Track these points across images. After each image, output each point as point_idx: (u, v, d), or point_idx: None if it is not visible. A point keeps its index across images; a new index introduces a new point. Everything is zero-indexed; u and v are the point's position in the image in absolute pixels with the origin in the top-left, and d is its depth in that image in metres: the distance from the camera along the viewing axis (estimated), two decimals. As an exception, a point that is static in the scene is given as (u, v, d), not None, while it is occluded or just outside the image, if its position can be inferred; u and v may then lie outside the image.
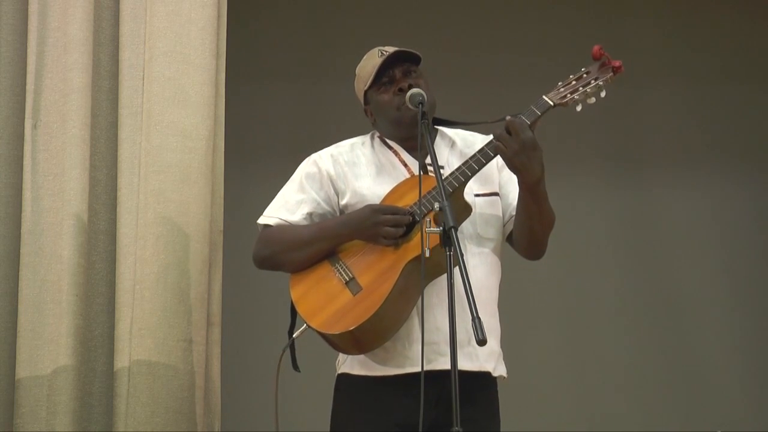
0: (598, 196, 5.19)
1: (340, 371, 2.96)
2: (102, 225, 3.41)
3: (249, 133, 4.85)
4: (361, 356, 2.88)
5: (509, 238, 3.00)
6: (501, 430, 2.94)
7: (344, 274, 2.84)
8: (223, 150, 3.48)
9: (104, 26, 3.51)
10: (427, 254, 2.61)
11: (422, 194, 2.77)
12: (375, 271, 2.81)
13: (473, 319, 2.34)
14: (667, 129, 5.21)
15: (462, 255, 2.47)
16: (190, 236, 3.34)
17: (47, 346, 3.26)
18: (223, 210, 3.46)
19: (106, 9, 3.51)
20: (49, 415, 3.22)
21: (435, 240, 2.58)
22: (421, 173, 2.77)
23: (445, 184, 2.74)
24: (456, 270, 2.45)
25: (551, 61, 5.03)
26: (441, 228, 2.51)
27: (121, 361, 3.28)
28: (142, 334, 3.25)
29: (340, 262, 2.87)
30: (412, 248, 2.79)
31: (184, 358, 3.27)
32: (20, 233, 3.34)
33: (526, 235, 2.91)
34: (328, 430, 2.96)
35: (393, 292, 2.75)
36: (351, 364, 2.92)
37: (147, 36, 3.43)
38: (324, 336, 2.81)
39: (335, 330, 2.77)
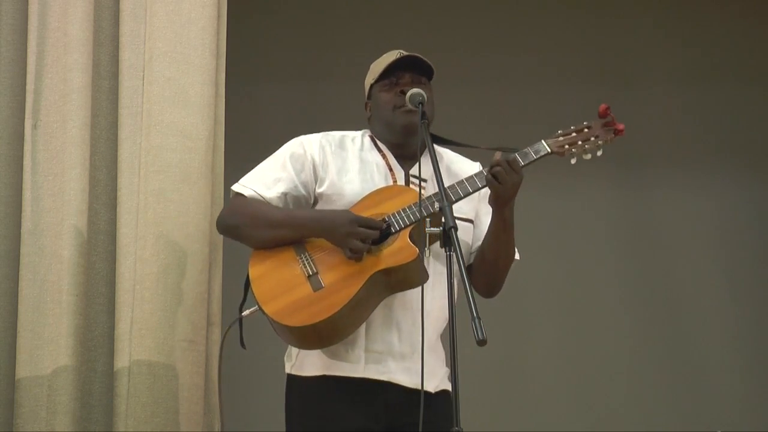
0: (598, 197, 5.18)
1: (288, 371, 2.94)
2: (102, 225, 3.41)
3: (249, 133, 4.84)
4: (307, 358, 2.87)
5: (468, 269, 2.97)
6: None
7: (308, 267, 2.81)
8: (223, 150, 3.48)
9: (104, 26, 3.51)
10: (427, 253, 2.62)
11: (403, 208, 2.80)
12: (340, 273, 2.78)
13: (473, 320, 2.34)
14: (667, 129, 5.21)
15: (462, 256, 2.48)
16: (190, 236, 3.34)
17: (47, 346, 3.26)
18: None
19: (106, 9, 3.51)
20: (49, 415, 3.22)
21: (413, 254, 2.65)
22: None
23: (426, 203, 2.77)
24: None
25: (550, 62, 5.07)
26: (441, 228, 2.52)
27: (121, 361, 3.28)
28: (142, 334, 3.25)
29: (306, 254, 2.83)
30: (383, 259, 2.77)
31: (184, 358, 3.27)
32: (20, 233, 3.34)
33: (490, 263, 2.93)
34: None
35: (353, 300, 2.73)
36: (299, 365, 2.90)
37: (147, 36, 3.43)
38: (273, 324, 2.80)
39: (287, 322, 2.75)
